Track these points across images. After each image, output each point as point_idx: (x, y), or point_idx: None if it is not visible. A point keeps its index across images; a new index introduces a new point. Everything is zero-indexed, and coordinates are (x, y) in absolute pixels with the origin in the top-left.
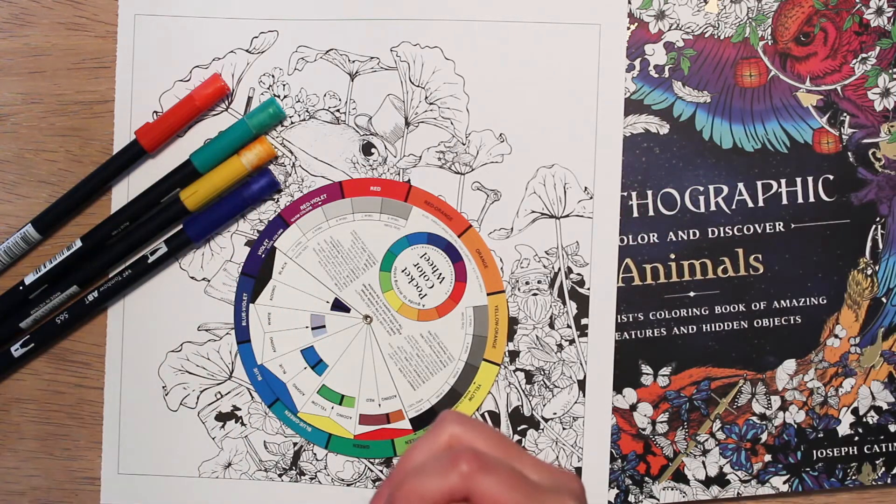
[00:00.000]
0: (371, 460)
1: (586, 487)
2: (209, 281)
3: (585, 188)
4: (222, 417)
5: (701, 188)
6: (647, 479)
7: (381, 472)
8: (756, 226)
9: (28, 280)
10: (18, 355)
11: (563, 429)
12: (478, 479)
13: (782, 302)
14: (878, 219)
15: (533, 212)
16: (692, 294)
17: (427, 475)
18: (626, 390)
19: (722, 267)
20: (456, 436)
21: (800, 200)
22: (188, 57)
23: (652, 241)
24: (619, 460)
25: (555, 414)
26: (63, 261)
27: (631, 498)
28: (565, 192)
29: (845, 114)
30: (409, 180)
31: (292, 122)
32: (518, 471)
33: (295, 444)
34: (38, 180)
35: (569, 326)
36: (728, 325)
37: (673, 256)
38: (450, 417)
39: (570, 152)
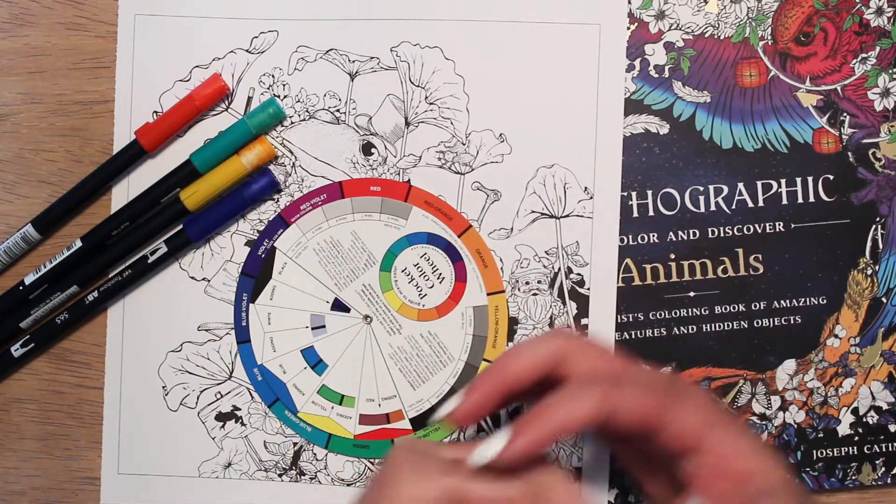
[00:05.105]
0: (371, 460)
1: (587, 488)
2: (209, 281)
3: (585, 188)
4: (222, 417)
5: (701, 188)
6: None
7: None
8: (756, 226)
9: (28, 280)
10: (18, 355)
11: None
12: (615, 394)
13: (782, 302)
14: (878, 219)
15: (533, 212)
16: (692, 294)
17: (565, 403)
18: None
19: (722, 267)
20: (569, 353)
21: (800, 200)
22: (188, 57)
23: (652, 241)
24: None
25: None
26: (63, 261)
27: (631, 498)
28: (565, 192)
29: (845, 114)
30: (409, 180)
31: (292, 122)
32: (646, 374)
33: (295, 444)
34: (38, 180)
35: (569, 326)
36: (728, 325)
37: (673, 256)
38: (563, 335)
39: (570, 152)
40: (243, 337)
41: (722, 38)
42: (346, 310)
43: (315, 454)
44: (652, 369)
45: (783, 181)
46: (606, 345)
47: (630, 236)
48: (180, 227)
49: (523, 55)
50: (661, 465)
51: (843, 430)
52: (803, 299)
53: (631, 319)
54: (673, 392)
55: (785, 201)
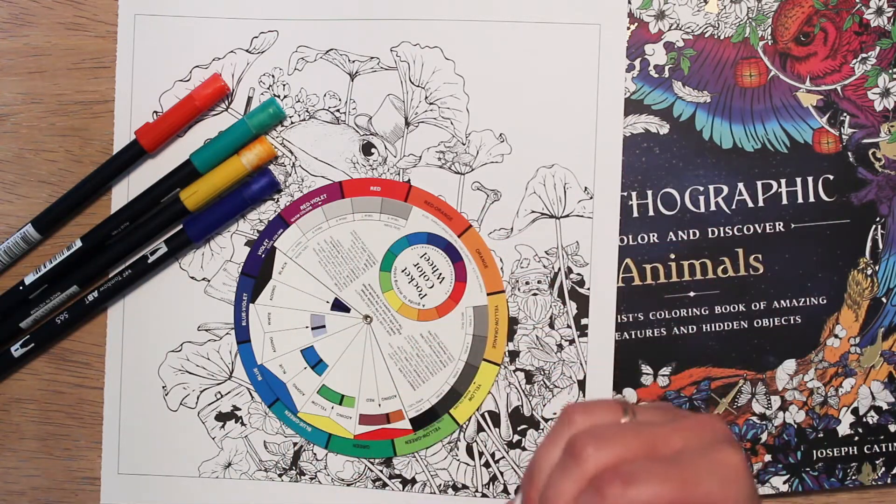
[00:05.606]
0: (371, 460)
1: None
2: (209, 281)
3: (585, 188)
4: (222, 417)
5: (701, 188)
6: None
7: (381, 471)
8: (756, 226)
9: (28, 280)
10: (18, 355)
11: None
12: (629, 496)
13: (782, 302)
14: (878, 219)
15: (533, 212)
16: (692, 294)
17: (560, 482)
18: (626, 390)
19: (722, 267)
20: (594, 457)
21: (800, 200)
22: (188, 57)
23: (652, 241)
24: None
25: (555, 414)
26: (63, 261)
27: None
28: (565, 192)
29: (845, 114)
30: (409, 180)
31: (292, 122)
32: (664, 458)
33: (295, 444)
34: (38, 180)
35: (569, 326)
36: (728, 325)
37: (673, 256)
38: (581, 436)
39: (570, 152)
40: (243, 337)
41: (722, 38)
42: (346, 310)
43: (315, 454)
44: (681, 421)
45: (783, 181)
46: (621, 420)
47: (630, 236)
48: (180, 227)
49: (523, 55)
50: None
51: (843, 430)
52: (803, 299)
53: (631, 319)
54: (686, 470)
55: (785, 201)
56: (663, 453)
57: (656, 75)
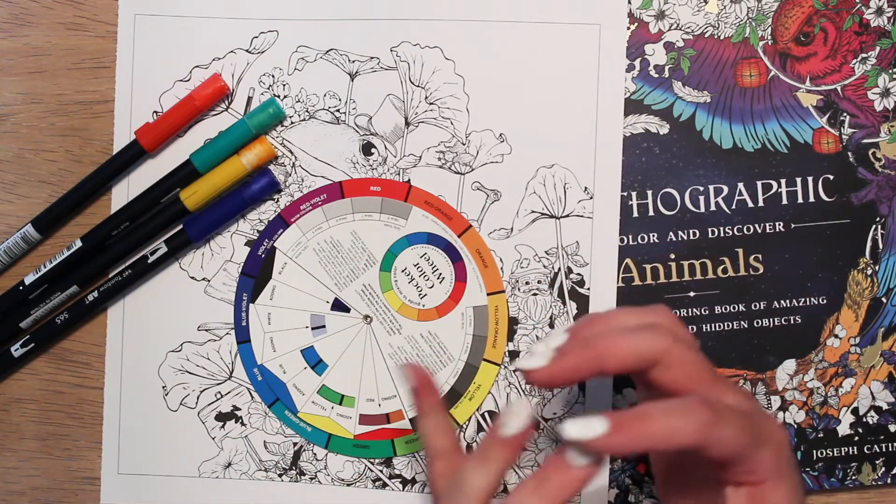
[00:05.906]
0: (371, 460)
1: (586, 489)
2: (209, 281)
3: (585, 188)
4: (222, 417)
5: (701, 188)
6: (647, 478)
7: (381, 471)
8: (756, 226)
9: (28, 280)
10: (18, 355)
11: None
12: (675, 346)
13: (782, 302)
14: (878, 219)
15: (533, 212)
16: (692, 294)
17: (673, 419)
18: (626, 390)
19: (722, 267)
20: (670, 348)
21: (800, 200)
22: (188, 57)
23: (652, 241)
24: (619, 460)
25: (555, 414)
26: (63, 261)
27: (631, 498)
28: (565, 192)
29: (845, 114)
30: (409, 180)
31: (292, 122)
32: (739, 410)
33: (295, 444)
34: (38, 180)
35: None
36: (728, 325)
37: (673, 256)
38: (669, 332)
39: (570, 152)
40: (243, 337)
41: (722, 38)
42: (346, 310)
43: (315, 454)
44: (734, 385)
45: (783, 181)
46: (698, 350)
47: (630, 236)
48: (180, 227)
49: (523, 55)
50: (691, 474)
51: (843, 430)
52: (803, 299)
53: None
54: (757, 430)
55: (785, 201)
56: (718, 397)
57: (656, 75)
